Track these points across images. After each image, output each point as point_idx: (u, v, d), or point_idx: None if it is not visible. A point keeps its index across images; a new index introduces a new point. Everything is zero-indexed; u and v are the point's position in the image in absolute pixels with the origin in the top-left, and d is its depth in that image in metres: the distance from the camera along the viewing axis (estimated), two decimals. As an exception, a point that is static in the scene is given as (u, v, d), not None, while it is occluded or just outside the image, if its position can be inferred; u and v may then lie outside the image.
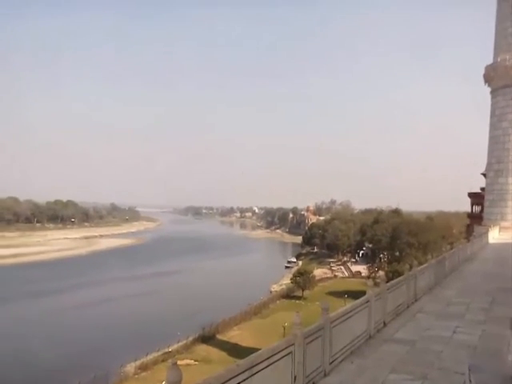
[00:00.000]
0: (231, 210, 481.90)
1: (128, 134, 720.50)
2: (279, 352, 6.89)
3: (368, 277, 75.47)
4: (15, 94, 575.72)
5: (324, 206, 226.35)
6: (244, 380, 5.89)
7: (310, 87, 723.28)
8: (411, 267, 15.67)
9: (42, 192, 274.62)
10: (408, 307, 14.48)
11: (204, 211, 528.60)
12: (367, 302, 10.94)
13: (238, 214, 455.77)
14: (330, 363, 8.79)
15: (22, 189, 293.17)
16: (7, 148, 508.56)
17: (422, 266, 17.31)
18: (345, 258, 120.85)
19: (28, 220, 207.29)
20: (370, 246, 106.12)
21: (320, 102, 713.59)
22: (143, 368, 39.26)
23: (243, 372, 5.87)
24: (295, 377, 7.40)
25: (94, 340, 49.74)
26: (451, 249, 25.76)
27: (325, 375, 8.52)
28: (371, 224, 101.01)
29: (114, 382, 36.38)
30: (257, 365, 6.20)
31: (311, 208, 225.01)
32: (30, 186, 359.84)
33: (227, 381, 5.57)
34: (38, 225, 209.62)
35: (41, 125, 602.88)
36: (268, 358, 6.51)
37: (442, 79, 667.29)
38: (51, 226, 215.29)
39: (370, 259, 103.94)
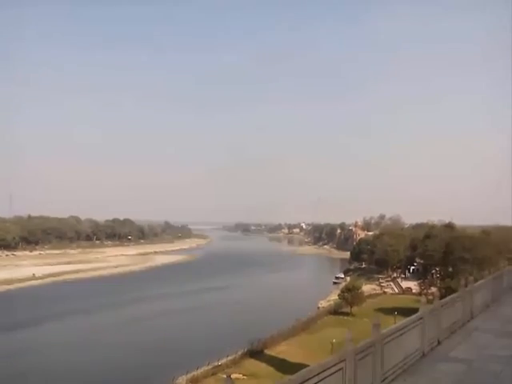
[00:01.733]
0: (279, 227, 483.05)
1: (178, 154, 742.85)
2: (330, 368, 6.78)
3: (419, 293, 74.06)
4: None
5: (373, 221, 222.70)
6: None
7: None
8: (467, 283, 15.23)
9: (100, 211, 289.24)
10: (463, 325, 13.88)
11: (253, 228, 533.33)
12: (420, 318, 10.58)
13: (286, 230, 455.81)
14: (382, 381, 8.50)
15: (83, 208, 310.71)
16: (67, 169, 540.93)
17: (478, 283, 16.80)
18: (394, 274, 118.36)
19: (88, 237, 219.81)
20: (422, 261, 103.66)
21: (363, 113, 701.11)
22: (194, 381, 40.23)
23: None
24: None
25: (146, 352, 52.23)
26: (509, 264, 24.62)
27: None
28: (423, 239, 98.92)
29: (167, 394, 38.06)
30: (307, 380, 6.13)
31: (359, 223, 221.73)
32: (90, 206, 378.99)
33: None
34: (97, 242, 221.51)
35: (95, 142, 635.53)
36: (318, 374, 6.41)
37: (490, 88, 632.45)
38: (109, 243, 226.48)
39: (421, 275, 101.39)
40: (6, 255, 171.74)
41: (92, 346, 56.31)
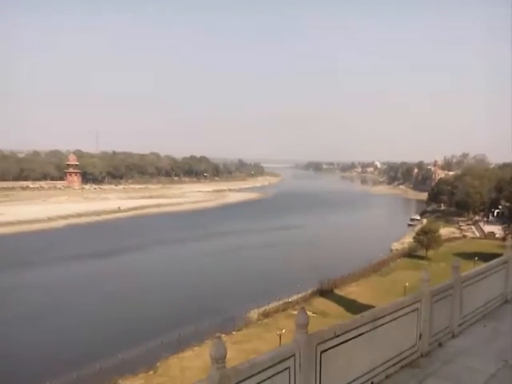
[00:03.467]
0: (352, 166, 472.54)
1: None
2: (404, 308, 6.77)
3: (503, 238, 70.05)
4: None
5: (454, 161, 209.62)
6: (367, 331, 5.94)
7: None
8: None
9: (178, 148, 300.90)
10: None
11: (325, 166, 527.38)
12: (505, 262, 10.06)
13: (359, 169, 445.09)
14: (459, 325, 8.32)
15: (162, 145, 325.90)
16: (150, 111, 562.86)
17: None
18: (476, 217, 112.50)
19: (167, 174, 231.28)
20: (508, 204, 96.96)
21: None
22: (265, 315, 41.77)
23: (367, 323, 5.94)
24: (420, 334, 7.20)
25: (222, 285, 55.28)
26: None
27: (453, 336, 8.09)
28: (510, 180, 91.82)
29: (240, 325, 39.55)
30: (380, 318, 6.19)
31: (439, 162, 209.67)
32: (169, 143, 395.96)
33: (351, 330, 5.70)
34: (175, 178, 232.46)
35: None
36: (392, 313, 6.44)
37: None
38: (187, 179, 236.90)
39: (506, 219, 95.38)
40: (94, 188, 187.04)
41: (172, 275, 60.70)
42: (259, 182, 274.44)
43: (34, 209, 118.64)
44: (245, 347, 31.89)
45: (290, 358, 4.99)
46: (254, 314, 42.59)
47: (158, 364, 31.71)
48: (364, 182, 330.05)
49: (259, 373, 4.59)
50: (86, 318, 43.66)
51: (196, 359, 31.93)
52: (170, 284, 56.39)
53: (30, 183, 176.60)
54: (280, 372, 4.85)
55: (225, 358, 4.27)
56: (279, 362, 4.85)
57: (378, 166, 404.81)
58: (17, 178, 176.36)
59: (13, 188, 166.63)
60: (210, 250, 75.37)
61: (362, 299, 43.21)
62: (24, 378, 29.62)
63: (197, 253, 73.30)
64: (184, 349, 34.10)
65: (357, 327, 5.80)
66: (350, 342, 5.72)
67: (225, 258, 70.80)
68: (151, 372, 30.72)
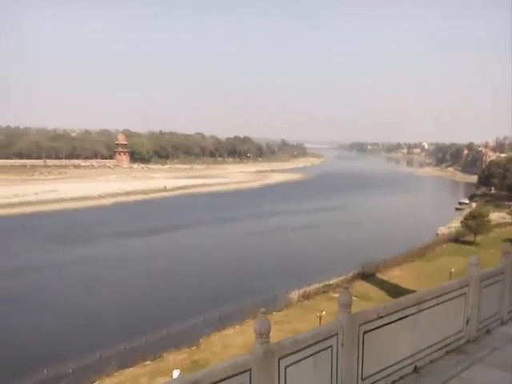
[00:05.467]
0: (398, 146, 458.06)
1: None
2: (451, 292, 6.64)
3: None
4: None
5: (507, 142, 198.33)
6: (412, 314, 5.89)
7: None
8: None
9: (223, 129, 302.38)
10: None
11: (369, 147, 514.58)
12: None
13: (405, 151, 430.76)
14: (509, 312, 8.11)
15: (206, 126, 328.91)
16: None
17: None
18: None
19: (211, 154, 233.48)
20: None
21: None
22: (305, 297, 41.75)
23: (411, 306, 5.88)
24: (468, 320, 7.04)
25: (263, 265, 55.88)
26: None
27: (502, 323, 7.86)
28: None
29: (280, 306, 39.89)
30: (426, 301, 6.11)
31: (491, 144, 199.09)
32: (213, 124, 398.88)
33: (395, 312, 5.67)
34: (219, 158, 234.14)
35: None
36: (438, 297, 6.34)
37: None
38: (230, 160, 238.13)
39: None
40: (142, 167, 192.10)
41: (216, 253, 61.69)
42: (301, 162, 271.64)
43: (85, 186, 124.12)
44: (285, 328, 32.20)
45: (332, 336, 5.04)
46: (294, 295, 42.74)
47: (200, 340, 32.58)
48: (410, 163, 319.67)
49: (302, 349, 4.67)
50: (133, 291, 45.65)
51: (237, 337, 32.65)
52: (214, 262, 57.55)
53: (81, 161, 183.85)
54: (322, 350, 4.91)
55: (269, 332, 4.37)
56: (322, 340, 4.90)
57: (426, 146, 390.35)
58: (69, 156, 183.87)
59: (66, 166, 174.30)
60: (253, 230, 75.96)
61: (405, 284, 42.38)
62: (77, 349, 30.71)
63: (240, 232, 74.18)
64: (226, 326, 34.87)
65: (401, 309, 5.77)
66: (393, 324, 5.70)
67: (267, 238, 71.15)
68: (194, 347, 31.61)
